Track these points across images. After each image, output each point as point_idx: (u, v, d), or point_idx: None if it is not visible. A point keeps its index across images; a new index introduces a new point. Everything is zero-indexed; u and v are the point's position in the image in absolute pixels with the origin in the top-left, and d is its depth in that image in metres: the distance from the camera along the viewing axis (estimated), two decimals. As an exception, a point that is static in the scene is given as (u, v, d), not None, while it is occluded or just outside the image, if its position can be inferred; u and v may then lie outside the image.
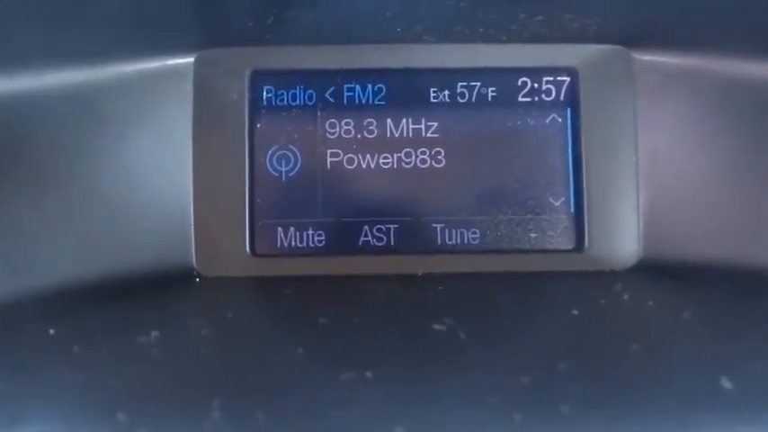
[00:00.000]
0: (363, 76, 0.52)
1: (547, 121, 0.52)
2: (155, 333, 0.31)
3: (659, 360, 0.29)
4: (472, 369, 0.28)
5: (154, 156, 0.49)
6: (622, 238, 0.50)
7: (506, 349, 0.30)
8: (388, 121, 0.52)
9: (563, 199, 0.51)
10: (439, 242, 0.51)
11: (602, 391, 0.26)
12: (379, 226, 0.51)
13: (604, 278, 0.46)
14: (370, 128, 0.52)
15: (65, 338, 0.32)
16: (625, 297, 0.39)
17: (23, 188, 0.43)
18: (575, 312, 0.35)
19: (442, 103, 0.52)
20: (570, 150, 0.51)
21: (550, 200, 0.51)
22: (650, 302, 0.37)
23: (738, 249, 0.45)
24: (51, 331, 0.32)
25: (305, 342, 0.30)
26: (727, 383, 0.26)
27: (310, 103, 0.52)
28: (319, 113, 0.52)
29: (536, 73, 0.52)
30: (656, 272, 0.47)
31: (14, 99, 0.43)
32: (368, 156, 0.52)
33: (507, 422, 0.24)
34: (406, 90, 0.52)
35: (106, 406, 0.25)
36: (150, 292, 0.43)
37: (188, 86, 0.50)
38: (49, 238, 0.43)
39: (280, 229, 0.51)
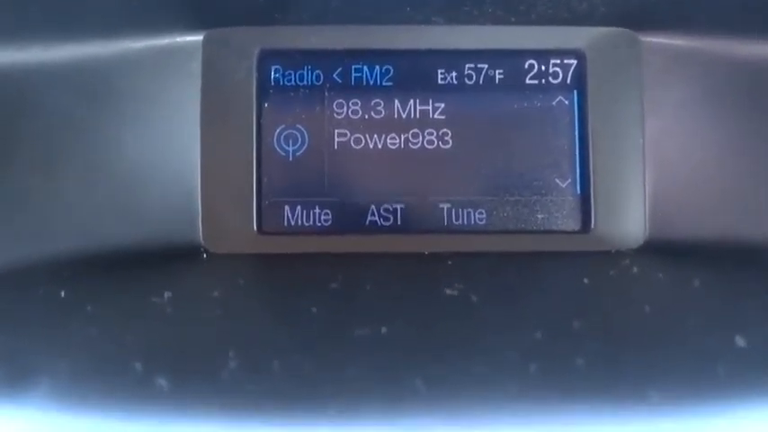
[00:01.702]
0: (371, 56, 0.52)
1: (554, 104, 0.52)
2: (167, 294, 0.31)
3: (672, 320, 0.29)
4: (486, 326, 0.28)
5: (162, 132, 0.49)
6: (629, 218, 0.50)
7: (519, 310, 0.30)
8: (396, 101, 0.52)
9: (569, 180, 0.52)
10: (445, 222, 0.51)
11: (616, 346, 0.26)
12: (385, 206, 0.51)
13: (611, 257, 0.46)
14: (378, 108, 0.52)
15: (76, 299, 0.32)
16: (634, 269, 0.39)
17: (35, 158, 0.43)
18: (585, 281, 0.35)
19: (449, 85, 0.52)
20: (577, 132, 0.52)
21: (557, 181, 0.52)
22: (660, 274, 0.37)
23: (745, 227, 0.45)
24: (62, 293, 0.32)
25: (318, 302, 0.31)
26: (741, 342, 0.26)
27: (318, 84, 0.52)
28: (327, 93, 0.52)
29: (543, 55, 0.52)
30: (663, 252, 0.47)
31: (25, 70, 0.43)
32: (375, 136, 0.52)
33: (522, 373, 0.24)
34: (413, 71, 0.52)
35: (121, 357, 0.25)
36: (158, 265, 0.43)
37: (196, 65, 0.51)
38: (59, 209, 0.43)
39: (287, 207, 0.51)
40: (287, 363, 0.25)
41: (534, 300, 0.33)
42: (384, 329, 0.27)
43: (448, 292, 0.32)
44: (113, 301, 0.32)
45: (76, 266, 0.39)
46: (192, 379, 0.24)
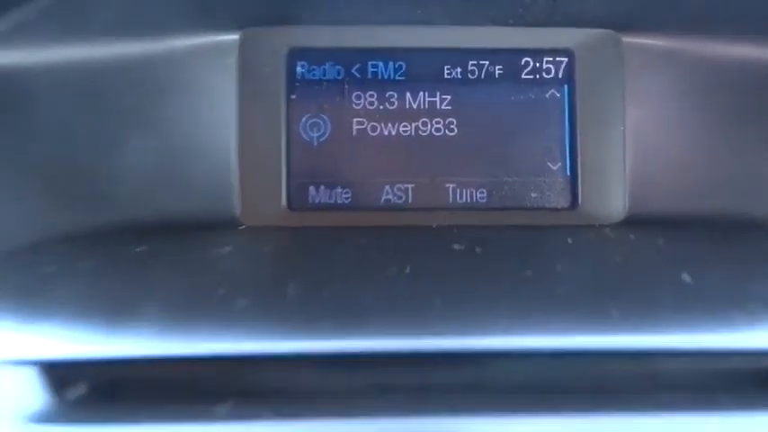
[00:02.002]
0: (386, 54, 0.59)
1: (546, 96, 0.59)
2: (227, 248, 0.38)
3: (635, 264, 0.36)
4: (487, 267, 0.35)
5: (204, 119, 0.56)
6: (611, 196, 0.57)
7: (514, 257, 0.37)
8: (407, 94, 0.59)
9: (560, 164, 0.58)
10: (450, 200, 0.58)
11: (590, 281, 0.34)
12: (398, 185, 0.58)
13: (595, 229, 0.53)
14: (392, 100, 0.59)
15: (152, 252, 0.39)
16: (612, 235, 0.46)
17: (99, 140, 0.50)
18: (569, 240, 0.42)
19: (454, 79, 0.59)
20: (567, 121, 0.58)
21: (549, 164, 0.58)
22: (631, 236, 0.44)
23: (711, 203, 0.52)
24: (139, 248, 0.39)
25: (350, 254, 0.38)
26: (687, 278, 0.33)
27: (339, 78, 0.59)
28: (347, 86, 0.59)
29: (537, 54, 0.59)
30: (641, 224, 0.54)
31: (92, 65, 0.51)
32: (389, 124, 0.59)
33: (514, 296, 0.31)
34: (423, 67, 0.59)
35: (205, 288, 0.32)
36: (204, 233, 0.50)
37: (233, 60, 0.57)
38: (122, 183, 0.50)
39: (312, 187, 0.58)
40: (333, 290, 0.32)
41: (526, 251, 0.40)
42: (408, 269, 0.34)
43: (456, 246, 0.39)
44: (184, 252, 0.39)
45: (139, 230, 0.46)
46: (262, 301, 0.31)
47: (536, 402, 0.27)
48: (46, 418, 0.28)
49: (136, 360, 0.29)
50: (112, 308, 0.31)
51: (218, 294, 0.31)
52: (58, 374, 0.29)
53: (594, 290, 0.33)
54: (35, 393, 0.29)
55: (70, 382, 0.29)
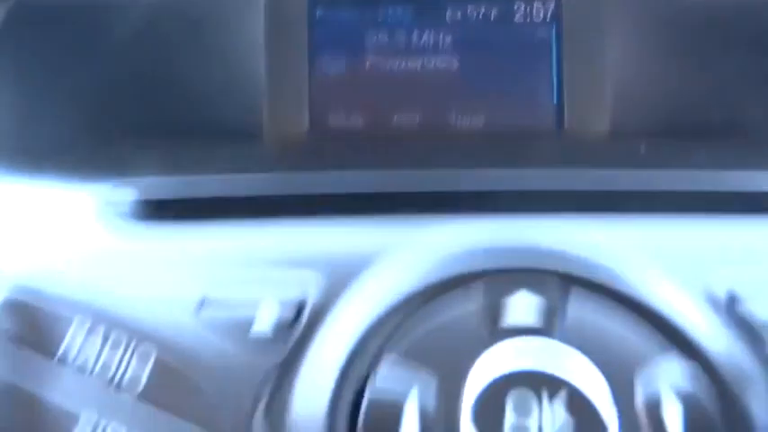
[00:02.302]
0: None
1: (536, 35, 0.67)
2: (266, 148, 0.47)
3: (603, 141, 0.45)
4: (485, 153, 0.44)
5: (237, 54, 0.65)
6: (593, 121, 0.65)
7: (506, 150, 0.47)
8: (414, 33, 0.67)
9: (548, 94, 0.67)
10: (452, 124, 0.66)
11: (564, 155, 0.42)
12: (407, 113, 0.67)
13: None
14: (401, 39, 0.67)
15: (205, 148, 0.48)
16: (589, 142, 0.55)
17: (155, 62, 0.59)
18: (553, 147, 0.51)
19: (455, 22, 0.67)
20: (555, 58, 0.67)
21: (538, 93, 0.67)
22: (607, 142, 0.53)
23: (681, 117, 0.61)
24: (196, 144, 0.48)
25: (368, 153, 0.46)
26: (643, 149, 0.42)
27: (355, 19, 0.67)
28: (362, 27, 0.67)
29: (528, -3, 0.68)
30: (619, 138, 0.62)
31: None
32: (398, 60, 0.67)
33: (509, 157, 0.40)
34: (428, 10, 0.68)
35: (257, 159, 0.41)
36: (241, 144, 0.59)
37: (260, 3, 0.66)
38: (171, 96, 0.59)
39: (331, 114, 0.67)
40: (365, 157, 0.41)
41: (517, 149, 0.49)
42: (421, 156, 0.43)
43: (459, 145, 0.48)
44: (230, 148, 0.48)
45: (189, 135, 0.55)
46: (309, 165, 0.40)
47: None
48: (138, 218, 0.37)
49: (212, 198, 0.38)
50: (185, 163, 0.40)
51: (268, 162, 0.40)
52: (147, 207, 0.38)
53: (568, 154, 0.42)
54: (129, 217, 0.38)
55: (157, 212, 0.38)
